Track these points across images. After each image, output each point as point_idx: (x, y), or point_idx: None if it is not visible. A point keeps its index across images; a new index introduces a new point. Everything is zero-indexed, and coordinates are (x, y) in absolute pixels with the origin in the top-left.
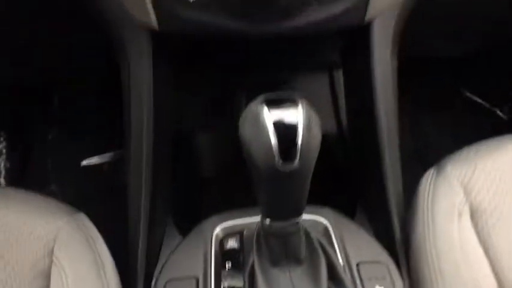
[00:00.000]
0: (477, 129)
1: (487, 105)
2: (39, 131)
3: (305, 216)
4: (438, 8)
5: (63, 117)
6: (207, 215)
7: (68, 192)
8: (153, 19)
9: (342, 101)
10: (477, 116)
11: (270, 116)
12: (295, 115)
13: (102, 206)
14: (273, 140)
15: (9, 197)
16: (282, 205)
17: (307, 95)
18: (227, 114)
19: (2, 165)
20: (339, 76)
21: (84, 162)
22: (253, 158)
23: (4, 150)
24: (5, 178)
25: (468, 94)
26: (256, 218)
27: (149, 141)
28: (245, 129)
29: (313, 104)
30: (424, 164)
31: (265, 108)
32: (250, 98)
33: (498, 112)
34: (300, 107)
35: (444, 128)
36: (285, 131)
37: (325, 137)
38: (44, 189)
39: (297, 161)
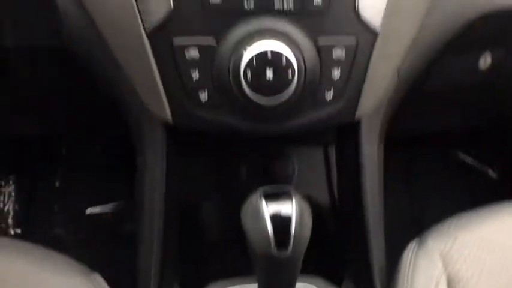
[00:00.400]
0: (470, 189)
1: (479, 166)
2: (47, 177)
3: (297, 285)
4: (427, 98)
5: (70, 165)
6: (209, 281)
7: (71, 237)
8: (168, 114)
9: (334, 175)
10: (470, 176)
11: (267, 209)
12: (289, 208)
13: (103, 252)
14: (270, 230)
15: (27, 252)
16: (277, 282)
17: (304, 168)
18: (230, 186)
19: (11, 207)
20: (333, 152)
21: (88, 211)
22: (252, 244)
23: (13, 193)
24: (12, 219)
25: (461, 155)
26: (255, 286)
27: (160, 218)
28: (246, 219)
29: (308, 176)
30: (419, 227)
31: (263, 202)
32: (252, 172)
33: (490, 172)
34: (293, 200)
35: (438, 190)
36: (280, 222)
37: (317, 208)
38: (48, 232)
39: (290, 248)
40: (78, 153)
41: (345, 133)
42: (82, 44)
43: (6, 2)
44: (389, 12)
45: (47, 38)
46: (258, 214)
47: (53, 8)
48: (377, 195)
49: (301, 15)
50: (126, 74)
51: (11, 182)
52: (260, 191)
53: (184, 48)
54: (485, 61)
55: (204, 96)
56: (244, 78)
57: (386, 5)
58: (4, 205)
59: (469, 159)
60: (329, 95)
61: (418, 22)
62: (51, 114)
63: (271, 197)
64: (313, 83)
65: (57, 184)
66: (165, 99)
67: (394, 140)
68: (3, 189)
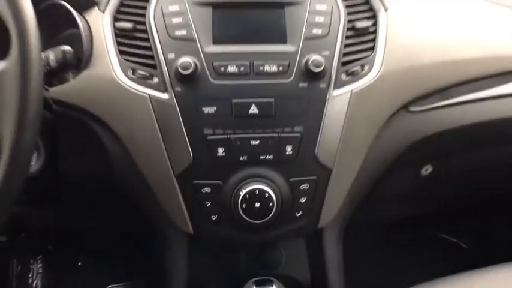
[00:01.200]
0: (444, 261)
1: (451, 239)
2: (71, 256)
3: None
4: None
5: (92, 247)
6: None
7: None
8: (190, 229)
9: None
10: (442, 247)
11: None
12: None
13: None
14: None
15: None
16: None
17: (290, 256)
18: (232, 271)
19: (39, 283)
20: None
21: None
22: None
23: (40, 271)
24: None
25: (432, 230)
26: None
27: None
28: None
29: (293, 263)
30: None
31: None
32: (249, 260)
33: (461, 244)
34: (274, 285)
35: (412, 261)
36: None
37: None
38: None
39: None
40: (100, 235)
41: (312, 237)
42: (126, 178)
43: (71, 142)
44: (339, 155)
45: (96, 168)
46: None
47: (105, 152)
48: (337, 280)
49: (277, 163)
50: (160, 201)
51: (39, 261)
52: (252, 280)
53: (201, 186)
54: (427, 170)
55: (214, 217)
56: (240, 207)
57: (337, 150)
58: (32, 281)
59: (440, 233)
60: (298, 214)
61: (362, 156)
62: (86, 213)
63: (259, 283)
64: (287, 207)
65: (80, 263)
66: (188, 219)
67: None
68: (32, 267)
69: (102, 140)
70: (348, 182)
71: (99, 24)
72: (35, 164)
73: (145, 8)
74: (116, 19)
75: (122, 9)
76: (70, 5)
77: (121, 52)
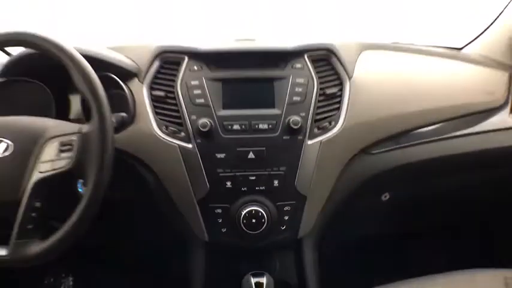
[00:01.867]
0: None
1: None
2: (99, 272)
3: None
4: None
5: (118, 263)
6: None
7: None
8: (206, 238)
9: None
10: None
11: (252, 279)
12: (263, 279)
13: None
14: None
15: None
16: None
17: (283, 263)
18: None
19: None
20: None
21: None
22: None
23: (71, 284)
24: None
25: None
26: None
27: None
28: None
29: (285, 269)
30: None
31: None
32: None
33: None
34: (265, 276)
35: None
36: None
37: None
38: None
39: None
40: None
41: (294, 245)
42: (161, 202)
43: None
44: (312, 186)
45: (137, 195)
46: (247, 282)
47: (144, 184)
48: (313, 279)
49: (268, 192)
50: (185, 218)
51: (70, 276)
52: (249, 273)
53: (214, 208)
54: (386, 197)
55: (224, 230)
56: (242, 222)
57: (310, 183)
58: None
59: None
60: (283, 227)
61: (330, 187)
62: (119, 230)
63: (255, 275)
64: (274, 223)
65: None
66: (205, 231)
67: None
68: (63, 280)
69: (142, 176)
70: (320, 205)
71: (139, 92)
72: None
73: (173, 81)
74: (151, 88)
75: (156, 81)
76: (117, 77)
77: (156, 113)
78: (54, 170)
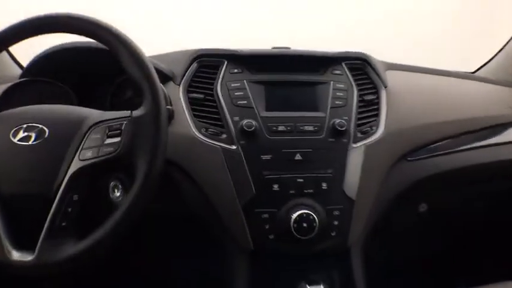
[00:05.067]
0: None
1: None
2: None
3: None
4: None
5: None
6: None
7: None
8: (252, 246)
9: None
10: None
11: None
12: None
13: None
14: None
15: None
16: None
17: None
18: None
19: None
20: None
21: None
22: None
23: None
24: None
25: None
26: None
27: None
28: None
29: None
30: None
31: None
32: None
33: None
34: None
35: None
36: None
37: None
38: None
39: None
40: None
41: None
42: (199, 211)
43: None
44: (359, 190)
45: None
46: None
47: (177, 192)
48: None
49: (316, 195)
50: (227, 226)
51: None
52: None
53: (261, 213)
54: (423, 207)
55: (271, 236)
56: (293, 227)
57: (357, 186)
58: None
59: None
60: (333, 233)
61: (375, 192)
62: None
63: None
64: (324, 227)
65: None
66: (250, 239)
67: None
68: None
69: (177, 183)
70: (366, 211)
71: (175, 94)
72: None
73: (212, 83)
74: (188, 91)
75: (193, 84)
76: None
77: (195, 115)
78: (99, 156)
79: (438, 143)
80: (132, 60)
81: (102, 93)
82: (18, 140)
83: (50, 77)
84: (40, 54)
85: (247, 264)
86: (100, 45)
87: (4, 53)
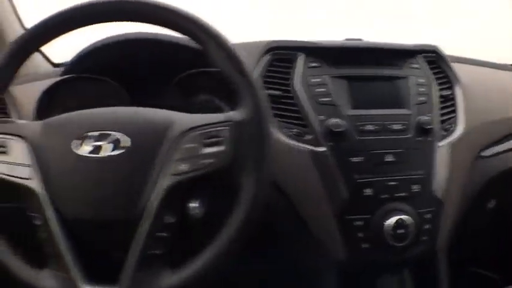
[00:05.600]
0: None
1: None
2: None
3: None
4: None
5: None
6: None
7: None
8: (343, 257)
9: None
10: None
11: None
12: None
13: None
14: None
15: None
16: None
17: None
18: None
19: None
20: None
21: None
22: None
23: None
24: None
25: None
26: None
27: None
28: None
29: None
30: None
31: None
32: None
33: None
34: None
35: None
36: None
37: None
38: None
39: None
40: None
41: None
42: (282, 221)
43: None
44: (447, 191)
45: None
46: None
47: None
48: None
49: (408, 198)
50: (316, 236)
51: None
52: None
53: (354, 220)
54: (491, 204)
55: (365, 245)
56: (389, 234)
57: (445, 188)
58: None
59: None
60: (424, 238)
61: (460, 192)
62: None
63: None
64: (418, 233)
65: None
66: (342, 249)
67: None
68: None
69: None
70: (453, 212)
71: None
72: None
73: (287, 79)
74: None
75: (267, 79)
76: None
77: (273, 115)
78: (197, 169)
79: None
80: (225, 57)
81: (157, 95)
82: (86, 153)
83: (97, 73)
84: (88, 47)
85: (338, 279)
86: (155, 36)
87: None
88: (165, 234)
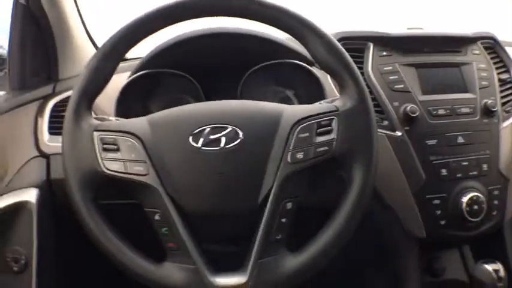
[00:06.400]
0: None
1: None
2: None
3: None
4: None
5: None
6: None
7: None
8: (424, 233)
9: None
10: None
11: None
12: None
13: None
14: None
15: None
16: None
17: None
18: None
19: None
20: None
21: None
22: None
23: None
24: None
25: None
26: None
27: None
28: None
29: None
30: None
31: None
32: None
33: None
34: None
35: None
36: None
37: None
38: None
39: None
40: None
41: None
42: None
43: None
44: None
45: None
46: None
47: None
48: None
49: (479, 177)
50: (398, 215)
51: None
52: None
53: (432, 199)
54: None
55: (443, 222)
56: (465, 210)
57: (510, 165)
58: None
59: None
60: (494, 213)
61: None
62: None
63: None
64: (490, 208)
65: None
66: (422, 226)
67: None
68: None
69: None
70: None
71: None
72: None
73: (361, 68)
74: None
75: None
76: None
77: None
78: (312, 158)
79: None
80: (327, 48)
81: (227, 89)
82: (203, 146)
83: (171, 68)
84: (164, 43)
85: (418, 257)
86: (227, 31)
87: (88, 42)
88: (285, 220)
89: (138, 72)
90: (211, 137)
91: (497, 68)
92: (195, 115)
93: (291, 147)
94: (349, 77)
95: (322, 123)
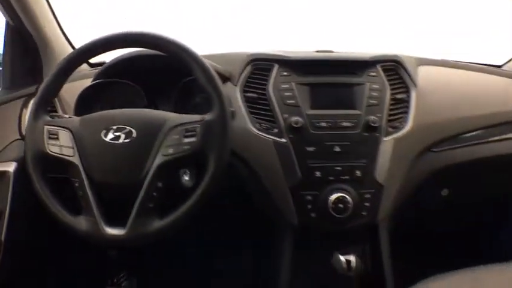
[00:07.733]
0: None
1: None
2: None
3: None
4: None
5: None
6: None
7: None
8: (296, 222)
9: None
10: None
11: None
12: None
13: None
14: None
15: None
16: None
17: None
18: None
19: None
20: None
21: None
22: None
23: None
24: None
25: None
26: None
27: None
28: None
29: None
30: None
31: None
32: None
33: None
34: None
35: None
36: None
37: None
38: None
39: None
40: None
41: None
42: (254, 191)
43: None
44: (388, 176)
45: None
46: (337, 260)
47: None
48: (388, 259)
49: (351, 181)
50: (277, 204)
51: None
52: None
53: (305, 195)
54: (445, 192)
55: (313, 214)
56: (331, 207)
57: (387, 174)
58: None
59: None
60: (364, 213)
61: (402, 178)
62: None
63: (343, 254)
64: (357, 208)
65: None
66: (296, 216)
67: None
68: (125, 281)
69: (237, 169)
70: (393, 194)
71: (234, 93)
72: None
73: (265, 84)
74: (244, 91)
75: (248, 84)
76: None
77: (250, 112)
78: (178, 153)
79: (461, 136)
80: (204, 75)
81: (167, 94)
82: (109, 139)
83: (123, 78)
84: (118, 57)
85: (292, 238)
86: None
87: (68, 46)
88: (155, 194)
89: (95, 80)
90: (116, 134)
91: (394, 89)
92: (109, 118)
93: (165, 145)
94: (216, 96)
95: (189, 129)
